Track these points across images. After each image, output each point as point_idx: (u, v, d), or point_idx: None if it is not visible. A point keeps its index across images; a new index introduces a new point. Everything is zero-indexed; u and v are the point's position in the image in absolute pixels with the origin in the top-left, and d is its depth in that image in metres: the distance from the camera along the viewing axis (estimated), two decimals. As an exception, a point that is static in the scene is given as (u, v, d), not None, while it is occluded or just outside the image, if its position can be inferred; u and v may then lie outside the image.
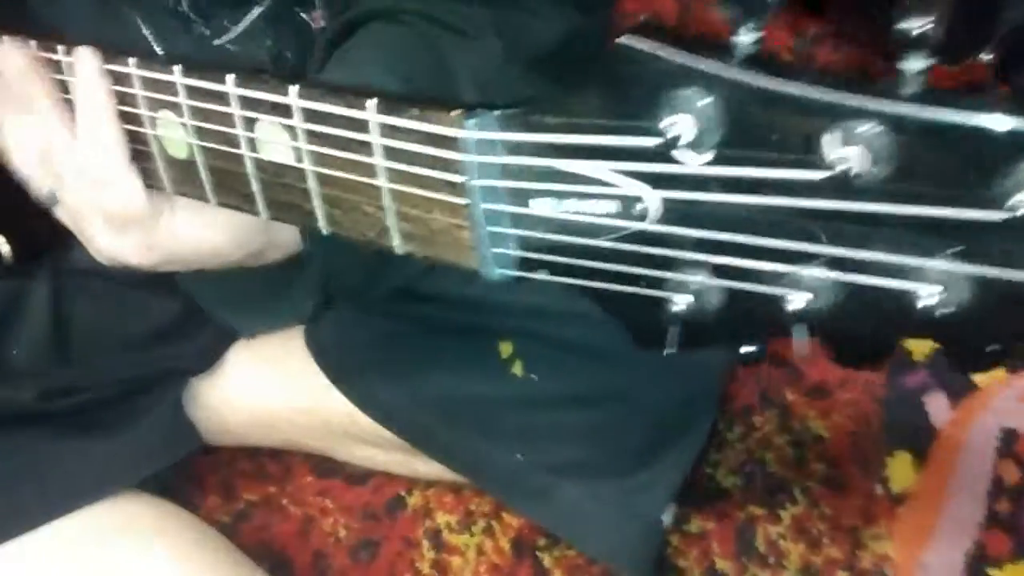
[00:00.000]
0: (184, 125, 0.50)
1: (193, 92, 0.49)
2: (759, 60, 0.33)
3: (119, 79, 0.53)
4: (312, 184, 0.45)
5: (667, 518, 0.84)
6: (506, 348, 0.85)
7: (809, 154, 0.32)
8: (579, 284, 0.39)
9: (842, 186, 0.31)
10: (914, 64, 0.31)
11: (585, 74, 0.36)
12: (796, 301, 0.34)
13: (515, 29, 0.64)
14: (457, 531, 0.97)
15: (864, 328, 0.34)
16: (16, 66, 0.55)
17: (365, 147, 0.41)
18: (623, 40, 0.34)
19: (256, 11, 0.77)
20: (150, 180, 0.54)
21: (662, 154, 0.34)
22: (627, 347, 0.39)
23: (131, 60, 0.51)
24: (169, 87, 0.50)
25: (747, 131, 0.33)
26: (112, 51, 0.53)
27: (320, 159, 0.44)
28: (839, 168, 0.31)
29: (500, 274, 0.40)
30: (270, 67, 0.80)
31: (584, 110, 0.36)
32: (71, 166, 0.52)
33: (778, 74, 0.32)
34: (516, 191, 0.38)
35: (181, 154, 0.52)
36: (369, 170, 0.42)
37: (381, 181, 0.42)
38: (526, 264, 0.39)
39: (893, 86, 0.31)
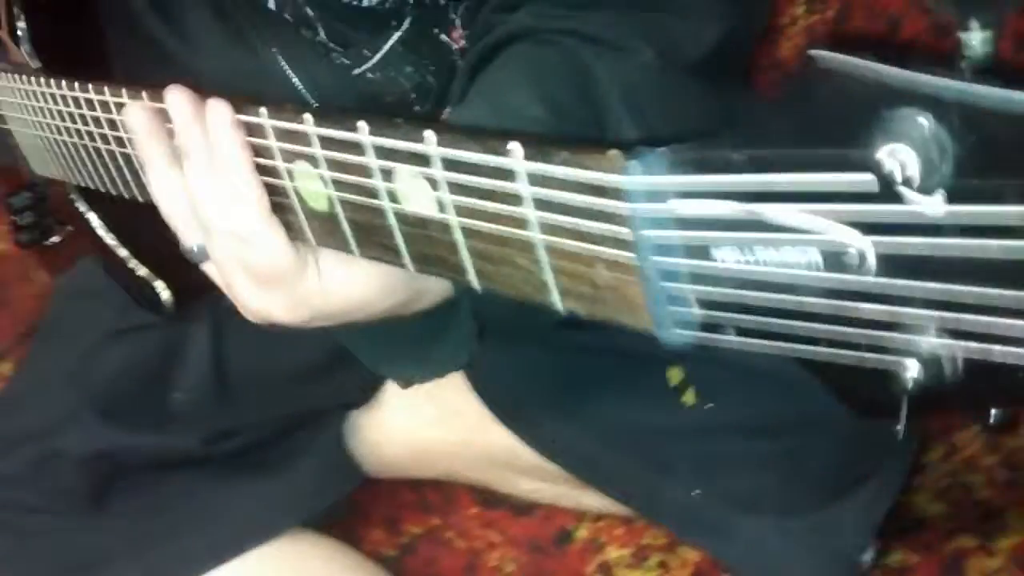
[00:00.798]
0: (321, 177, 0.47)
1: (327, 142, 0.45)
2: (991, 66, 0.26)
3: (252, 130, 0.50)
4: (458, 237, 0.41)
5: (868, 557, 0.76)
6: (675, 375, 0.79)
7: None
8: (777, 349, 0.32)
9: None
10: None
11: (773, 99, 0.30)
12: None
13: (667, 35, 0.58)
14: (630, 566, 0.92)
15: None
16: (180, 115, 0.53)
17: (513, 198, 0.37)
18: (817, 54, 0.28)
19: (395, 36, 0.75)
20: (294, 234, 0.51)
21: (878, 193, 0.27)
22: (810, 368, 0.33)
23: (262, 110, 0.49)
24: (303, 137, 0.47)
25: (986, 161, 0.26)
26: (243, 100, 0.50)
27: (465, 210, 0.40)
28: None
29: (680, 336, 0.34)
30: (412, 95, 0.77)
31: (774, 142, 0.29)
32: (216, 221, 0.50)
33: (1015, 80, 0.25)
34: (695, 242, 0.32)
35: (322, 206, 0.48)
36: (519, 222, 0.37)
37: (534, 234, 0.37)
38: (710, 325, 0.34)
39: None
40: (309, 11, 0.73)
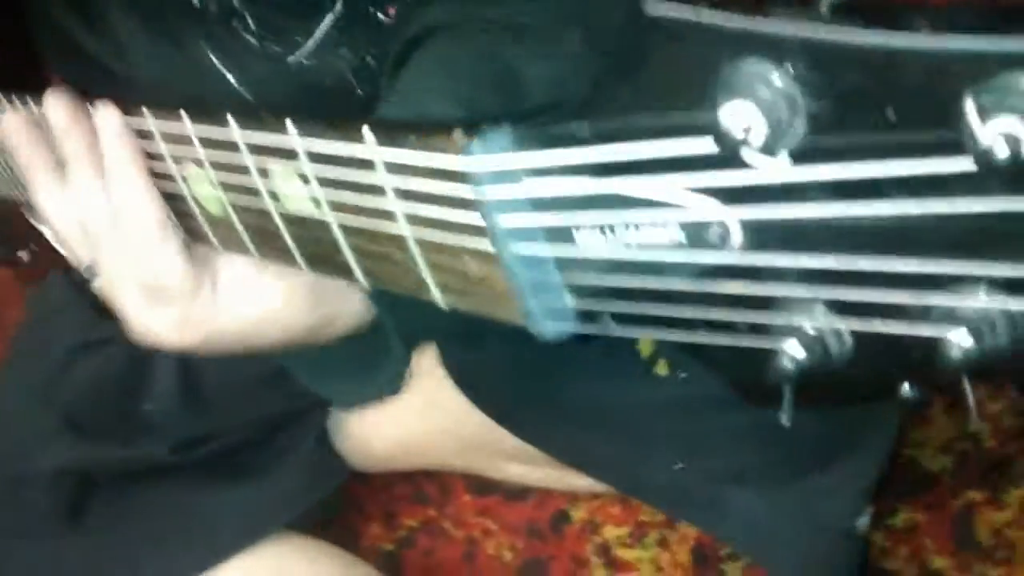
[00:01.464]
0: (209, 179, 0.44)
1: (207, 142, 0.42)
2: (858, 6, 0.23)
3: (144, 134, 0.47)
4: (337, 235, 0.38)
5: (863, 522, 0.72)
6: (646, 346, 0.75)
7: (945, 132, 0.21)
8: (656, 335, 0.29)
9: (1003, 174, 0.20)
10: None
11: (616, 60, 0.26)
12: (954, 342, 0.23)
13: (597, 9, 0.53)
14: (629, 545, 0.89)
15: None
16: (58, 122, 0.50)
17: (377, 189, 0.33)
18: (653, 10, 0.24)
19: (328, 19, 0.71)
20: (200, 241, 0.49)
21: (727, 158, 0.24)
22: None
23: (145, 110, 0.46)
24: (186, 138, 0.44)
25: (848, 111, 0.22)
26: (129, 104, 0.48)
27: (338, 206, 0.36)
28: (996, 148, 0.20)
29: (555, 329, 0.31)
30: (351, 79, 0.74)
31: (618, 109, 0.26)
32: (106, 232, 0.47)
33: (882, 21, 0.22)
34: (555, 226, 0.29)
35: (217, 211, 0.46)
36: (388, 215, 0.34)
37: (402, 227, 0.34)
38: (586, 315, 0.30)
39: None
40: (234, 2, 0.69)
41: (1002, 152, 0.20)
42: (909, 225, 0.23)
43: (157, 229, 0.46)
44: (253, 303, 0.47)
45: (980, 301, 0.23)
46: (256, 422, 0.88)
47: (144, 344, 0.49)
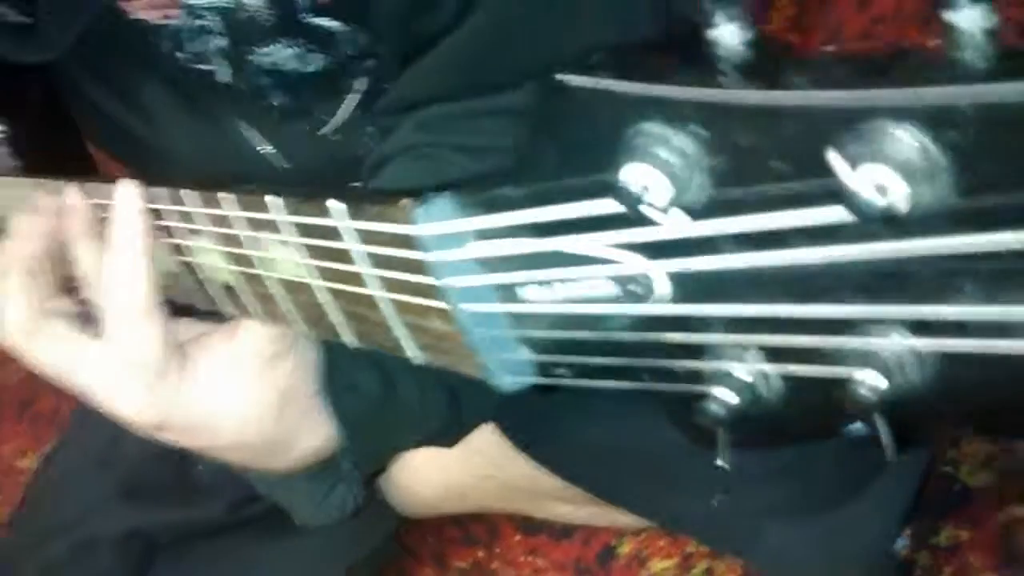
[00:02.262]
0: (215, 251, 0.47)
1: (211, 218, 0.45)
2: (752, 67, 0.24)
3: (159, 212, 0.50)
4: (324, 299, 0.40)
5: (901, 544, 0.71)
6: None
7: (825, 182, 0.22)
8: (607, 386, 0.30)
9: (880, 220, 0.21)
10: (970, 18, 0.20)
11: (539, 127, 0.28)
12: (867, 383, 0.24)
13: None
14: (676, 577, 0.89)
15: (988, 396, 0.23)
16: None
17: (346, 255, 0.35)
18: (563, 78, 0.26)
19: (350, 100, 0.74)
20: (216, 309, 0.51)
21: (635, 217, 0.25)
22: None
23: (160, 190, 0.49)
24: (194, 216, 0.46)
25: (742, 166, 0.24)
26: (144, 184, 0.51)
27: (320, 272, 0.38)
28: (867, 195, 0.21)
29: (513, 383, 0.32)
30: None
31: (539, 173, 0.27)
32: (104, 297, 0.49)
33: (769, 80, 0.23)
34: (502, 285, 0.30)
35: (225, 279, 0.48)
36: (358, 279, 0.36)
37: (373, 289, 0.35)
38: (542, 368, 0.32)
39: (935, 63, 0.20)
40: (260, 82, 0.73)
41: (875, 200, 0.21)
42: (814, 272, 0.24)
43: (143, 307, 0.47)
44: (216, 396, 0.48)
45: (888, 342, 0.23)
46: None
47: (106, 412, 0.49)
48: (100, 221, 0.55)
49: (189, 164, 0.77)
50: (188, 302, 0.56)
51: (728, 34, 0.24)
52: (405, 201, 0.30)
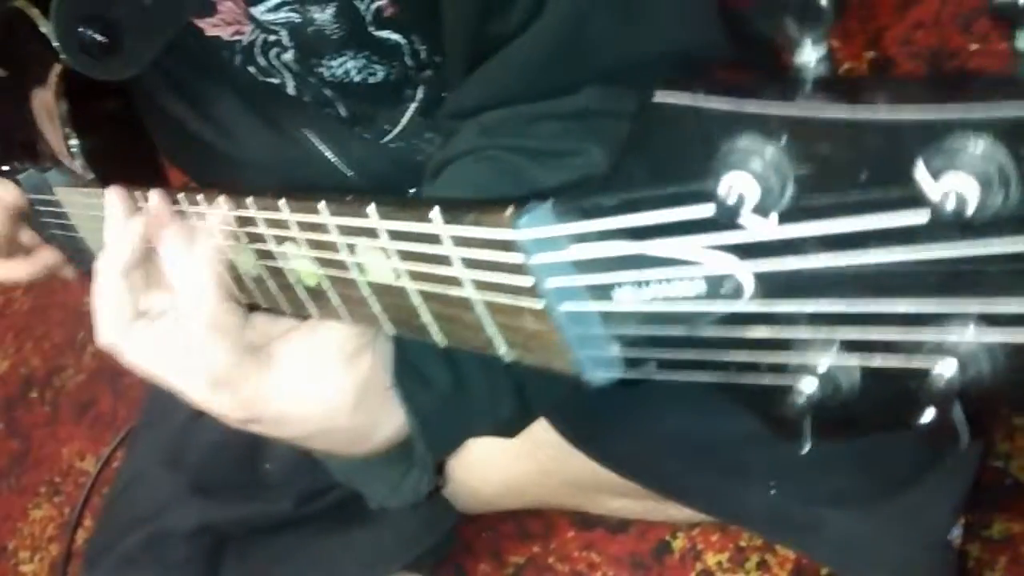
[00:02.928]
0: (306, 257, 0.50)
1: (303, 225, 0.48)
2: (830, 84, 0.26)
3: (246, 221, 0.53)
4: (416, 301, 0.43)
5: (956, 534, 0.73)
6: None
7: (907, 189, 0.24)
8: (693, 377, 0.33)
9: (957, 224, 0.23)
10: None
11: (631, 142, 0.30)
12: (942, 370, 0.26)
13: (616, 139, 0.56)
14: (730, 570, 0.91)
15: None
16: (112, 215, 0.57)
17: (444, 259, 0.38)
18: (659, 98, 0.28)
19: (410, 108, 0.77)
20: (300, 311, 0.54)
21: (728, 221, 0.28)
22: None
23: (249, 200, 0.52)
24: (285, 223, 0.49)
25: (827, 175, 0.26)
26: (237, 193, 0.54)
27: (415, 276, 0.41)
28: (946, 203, 0.23)
29: (603, 377, 0.35)
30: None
31: (637, 183, 0.30)
32: (168, 324, 0.52)
33: (849, 96, 0.25)
34: (595, 285, 0.33)
35: (314, 283, 0.51)
36: (455, 282, 0.39)
37: (468, 292, 0.38)
38: (630, 363, 0.34)
39: (1002, 83, 0.23)
40: (326, 92, 0.76)
41: (951, 205, 0.23)
42: (893, 270, 0.26)
43: (212, 322, 0.50)
44: (301, 391, 0.51)
45: (963, 335, 0.26)
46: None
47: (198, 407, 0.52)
48: (185, 228, 0.59)
49: (262, 172, 0.80)
50: (270, 306, 0.59)
51: (810, 55, 0.27)
52: (509, 209, 0.33)
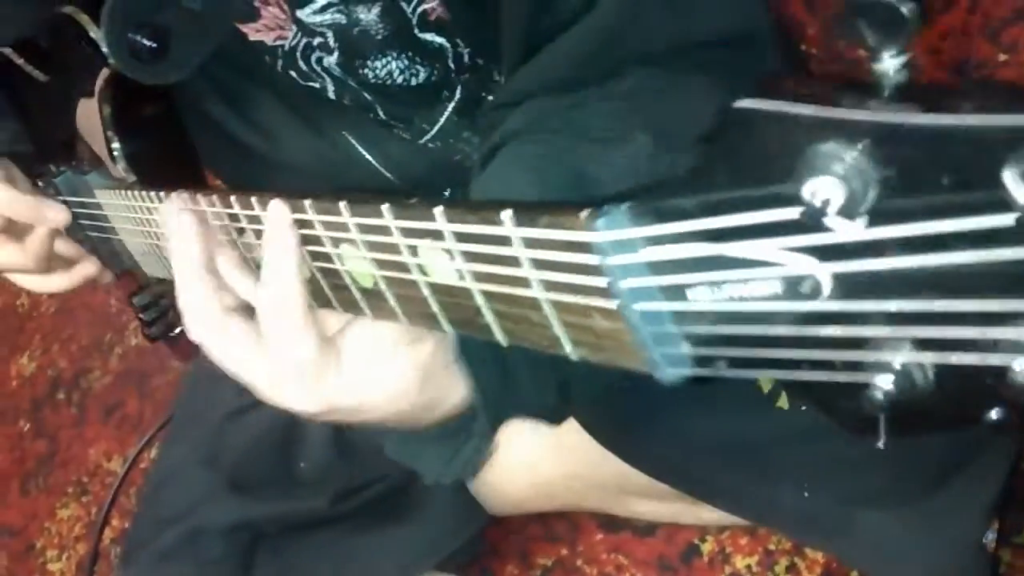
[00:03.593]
0: (363, 258, 0.51)
1: (362, 227, 0.49)
2: (910, 91, 0.27)
3: (303, 223, 0.54)
4: (479, 301, 0.44)
5: (989, 537, 0.74)
6: (766, 382, 0.79)
7: (992, 193, 0.25)
8: (764, 375, 0.34)
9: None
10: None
11: (713, 147, 0.31)
12: (1020, 367, 0.27)
13: (665, 118, 0.57)
14: (759, 574, 0.91)
15: None
16: (180, 225, 0.57)
17: (513, 261, 0.39)
18: (744, 104, 0.29)
19: (448, 108, 0.78)
20: (350, 310, 0.55)
21: (814, 224, 0.29)
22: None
23: (307, 203, 0.53)
24: (344, 225, 0.50)
25: (910, 179, 0.27)
26: (291, 197, 0.55)
27: (480, 276, 0.42)
28: (1034, 208, 0.24)
29: (675, 375, 0.36)
30: (474, 155, 0.81)
31: (718, 186, 0.31)
32: (246, 324, 0.54)
33: (931, 103, 0.26)
34: (670, 285, 0.34)
35: (369, 284, 0.52)
36: (523, 282, 0.40)
37: (537, 292, 0.39)
38: (702, 361, 0.35)
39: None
40: (366, 95, 0.77)
41: (1040, 209, 0.24)
42: (972, 271, 0.27)
43: (299, 322, 0.52)
44: (368, 380, 0.53)
45: (1041, 332, 0.27)
46: (399, 471, 0.94)
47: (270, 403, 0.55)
48: (236, 231, 0.60)
49: (302, 176, 0.81)
50: (321, 305, 0.60)
51: (890, 63, 0.28)
52: (585, 211, 0.34)
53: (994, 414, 0.31)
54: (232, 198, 0.60)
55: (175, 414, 1.01)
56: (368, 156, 0.81)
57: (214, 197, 0.61)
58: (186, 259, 0.56)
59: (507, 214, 0.38)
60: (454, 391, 0.56)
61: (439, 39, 0.72)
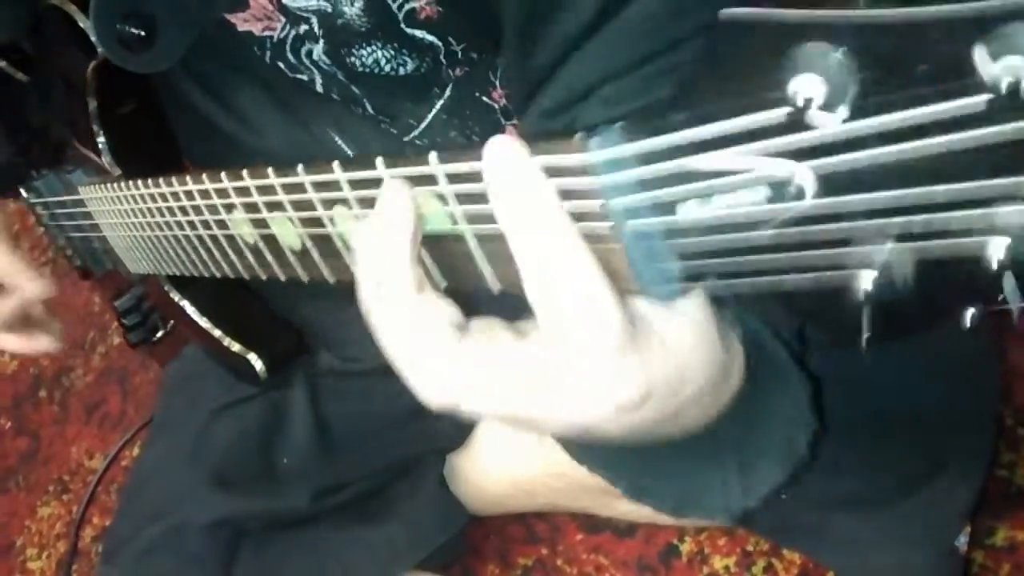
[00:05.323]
0: (356, 216, 0.52)
1: (355, 183, 0.50)
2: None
3: (296, 188, 0.55)
4: (472, 244, 0.45)
5: (962, 540, 0.75)
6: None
7: (964, 78, 0.27)
8: (752, 284, 0.35)
9: (1012, 105, 0.26)
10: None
11: (698, 58, 0.33)
12: (994, 249, 0.28)
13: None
14: (737, 574, 0.92)
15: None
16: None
17: (506, 194, 0.40)
18: (727, 13, 0.31)
19: (438, 104, 0.79)
20: (342, 276, 0.56)
21: (797, 123, 0.30)
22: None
23: (300, 168, 0.54)
24: (337, 184, 0.51)
25: (886, 72, 0.29)
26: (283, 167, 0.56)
27: (472, 218, 0.44)
28: (1002, 85, 0.26)
29: (667, 290, 0.37)
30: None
31: (704, 97, 0.33)
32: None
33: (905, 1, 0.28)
34: (660, 202, 0.35)
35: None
36: (516, 216, 0.41)
37: (530, 224, 0.40)
38: (691, 275, 0.36)
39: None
40: (354, 89, 0.78)
41: (1008, 87, 0.26)
42: (950, 159, 0.29)
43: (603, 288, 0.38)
44: (679, 336, 0.40)
45: (1014, 210, 0.28)
46: (381, 469, 0.94)
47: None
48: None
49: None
50: (311, 279, 0.61)
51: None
52: (578, 135, 0.36)
53: (969, 313, 0.32)
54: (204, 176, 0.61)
55: (157, 412, 1.01)
56: (349, 152, 0.82)
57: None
58: (390, 279, 0.44)
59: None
60: (735, 348, 0.44)
61: (430, 36, 0.73)
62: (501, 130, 0.80)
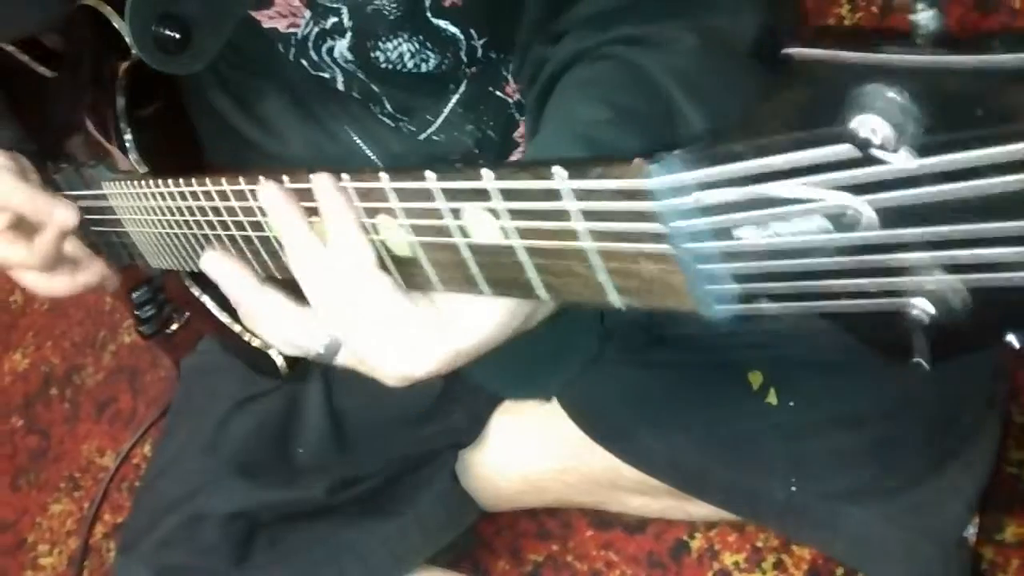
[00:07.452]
0: (402, 226, 0.53)
1: (402, 193, 0.52)
2: (942, 38, 0.31)
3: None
4: (523, 257, 0.46)
5: (970, 532, 0.77)
6: (755, 378, 0.82)
7: (1018, 123, 0.29)
8: (805, 307, 0.37)
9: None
10: None
11: (763, 91, 0.35)
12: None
13: (709, 28, 0.61)
14: (747, 570, 0.94)
15: None
16: (272, 202, 0.59)
17: (563, 214, 0.42)
18: (792, 51, 0.33)
19: (453, 99, 0.80)
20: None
21: (859, 158, 0.32)
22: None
23: (344, 176, 0.55)
24: (380, 193, 0.53)
25: (946, 114, 0.30)
26: (328, 169, 0.57)
27: (525, 233, 0.45)
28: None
29: (720, 311, 0.39)
30: (475, 150, 0.83)
31: (767, 129, 0.34)
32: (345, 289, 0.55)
33: (961, 47, 0.30)
34: (719, 226, 0.37)
35: (405, 252, 0.55)
36: (571, 235, 0.42)
37: (585, 243, 0.42)
38: (745, 297, 0.38)
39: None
40: (374, 87, 0.79)
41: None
42: (1005, 197, 0.30)
43: (373, 269, 0.54)
44: (481, 315, 0.55)
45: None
46: (395, 462, 0.96)
47: (401, 386, 0.57)
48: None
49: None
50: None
51: (926, 16, 0.32)
52: (638, 160, 0.37)
53: (1013, 338, 0.34)
54: (261, 177, 0.62)
55: (173, 406, 1.02)
56: (368, 151, 0.83)
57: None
58: (354, 259, 0.56)
59: (559, 168, 0.41)
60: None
61: (452, 28, 0.74)
62: (515, 124, 0.82)
